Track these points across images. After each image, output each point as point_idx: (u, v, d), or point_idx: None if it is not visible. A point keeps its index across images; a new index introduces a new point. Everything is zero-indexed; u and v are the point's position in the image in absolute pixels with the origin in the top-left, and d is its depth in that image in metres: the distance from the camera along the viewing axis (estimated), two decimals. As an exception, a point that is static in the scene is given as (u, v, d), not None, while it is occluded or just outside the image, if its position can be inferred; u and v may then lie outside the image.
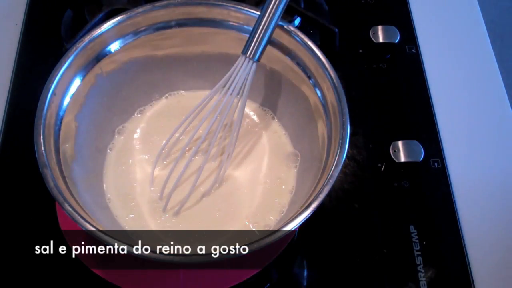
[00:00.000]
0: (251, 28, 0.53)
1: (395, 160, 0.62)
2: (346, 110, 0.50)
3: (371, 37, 0.72)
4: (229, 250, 0.43)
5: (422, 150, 0.63)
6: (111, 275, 0.51)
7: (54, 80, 0.51)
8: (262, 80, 0.61)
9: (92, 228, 0.44)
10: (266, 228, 0.55)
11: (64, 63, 0.52)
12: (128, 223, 0.55)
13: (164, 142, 0.58)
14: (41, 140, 0.48)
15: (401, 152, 0.63)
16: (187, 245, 0.54)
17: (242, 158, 0.60)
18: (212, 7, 0.57)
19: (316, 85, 0.55)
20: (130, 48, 0.57)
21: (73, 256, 0.52)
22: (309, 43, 0.54)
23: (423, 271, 0.58)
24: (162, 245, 0.54)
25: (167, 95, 0.64)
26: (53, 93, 0.51)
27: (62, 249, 0.52)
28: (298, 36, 0.55)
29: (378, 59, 0.74)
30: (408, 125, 0.68)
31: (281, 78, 0.59)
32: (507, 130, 0.68)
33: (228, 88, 0.52)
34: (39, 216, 0.61)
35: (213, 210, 0.56)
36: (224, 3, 0.56)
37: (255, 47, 0.50)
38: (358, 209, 0.62)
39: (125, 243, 0.43)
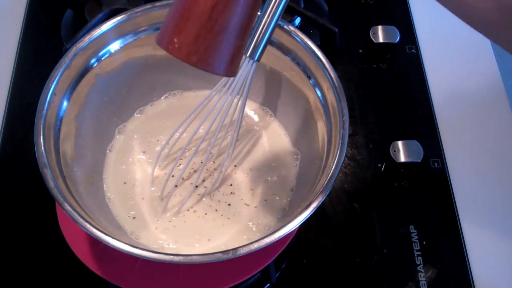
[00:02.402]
0: (251, 28, 0.53)
1: (395, 160, 0.62)
2: (346, 110, 0.50)
3: (371, 37, 0.72)
4: (229, 250, 0.43)
5: (422, 150, 0.63)
6: (111, 275, 0.51)
7: (54, 80, 0.51)
8: (262, 80, 0.61)
9: (92, 228, 0.44)
10: (266, 228, 0.55)
11: (64, 63, 0.52)
12: (128, 223, 0.55)
13: (164, 142, 0.58)
14: (41, 140, 0.48)
15: (401, 152, 0.63)
16: (187, 245, 0.54)
17: (242, 158, 0.60)
18: (212, 7, 0.57)
19: (316, 85, 0.55)
20: (130, 48, 0.57)
21: (73, 256, 0.52)
22: (309, 43, 0.54)
23: (423, 271, 0.58)
24: (162, 245, 0.54)
25: (167, 95, 0.64)
26: (53, 93, 0.51)
27: (62, 249, 0.52)
28: (298, 36, 0.55)
29: (378, 59, 0.74)
30: (408, 125, 0.68)
31: (281, 78, 0.59)
32: (507, 130, 0.68)
33: (228, 88, 0.52)
34: (39, 216, 0.61)
35: (213, 210, 0.56)
36: (224, 3, 0.56)
37: (255, 47, 0.50)
38: (358, 209, 0.62)
39: (125, 243, 0.43)
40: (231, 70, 0.43)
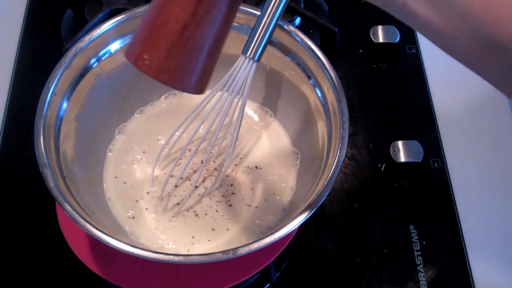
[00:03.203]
0: (251, 28, 0.53)
1: (395, 160, 0.62)
2: (346, 110, 0.50)
3: (371, 37, 0.72)
4: (229, 250, 0.43)
5: (422, 150, 0.63)
6: (111, 275, 0.51)
7: (54, 80, 0.51)
8: (262, 80, 0.61)
9: (92, 228, 0.44)
10: (266, 228, 0.55)
11: (64, 63, 0.52)
12: (128, 223, 0.55)
13: (164, 142, 0.58)
14: (41, 140, 0.48)
15: (401, 152, 0.63)
16: (187, 245, 0.54)
17: (242, 158, 0.60)
18: (212, 7, 0.56)
19: (316, 85, 0.55)
20: (130, 48, 0.57)
21: (73, 256, 0.52)
22: (309, 43, 0.54)
23: (423, 271, 0.58)
24: (162, 245, 0.54)
25: (166, 95, 0.64)
26: (53, 93, 0.51)
27: (62, 249, 0.52)
28: (298, 36, 0.55)
29: (378, 59, 0.74)
30: (408, 125, 0.68)
31: (281, 78, 0.59)
32: (507, 130, 0.68)
33: (228, 88, 0.52)
34: (39, 216, 0.61)
35: (213, 210, 0.56)
36: (224, 3, 0.56)
37: (255, 47, 0.50)
38: (358, 209, 0.62)
39: (125, 243, 0.43)
40: (200, 88, 0.44)
